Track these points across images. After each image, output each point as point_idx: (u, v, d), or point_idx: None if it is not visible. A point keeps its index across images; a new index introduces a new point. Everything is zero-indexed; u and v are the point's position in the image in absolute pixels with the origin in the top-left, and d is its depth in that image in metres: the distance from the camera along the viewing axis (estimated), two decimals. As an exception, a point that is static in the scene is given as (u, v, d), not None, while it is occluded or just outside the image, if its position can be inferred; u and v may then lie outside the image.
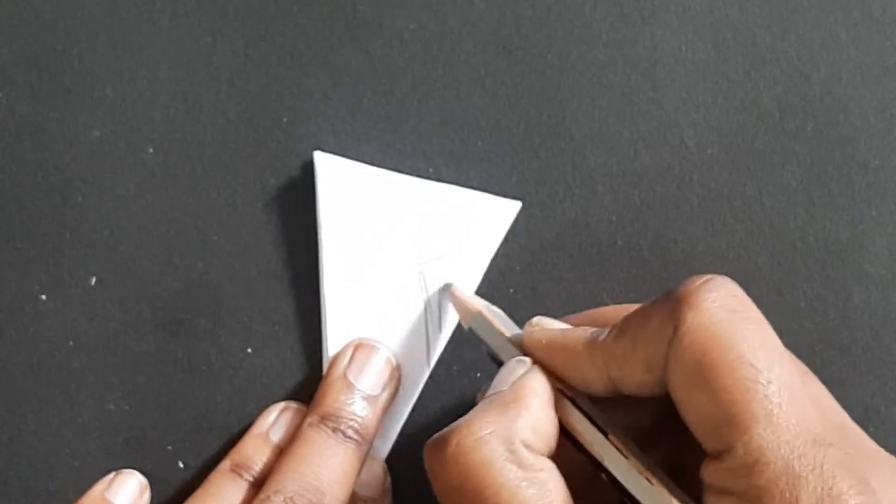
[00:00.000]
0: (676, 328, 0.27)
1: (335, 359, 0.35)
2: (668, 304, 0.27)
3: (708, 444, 0.26)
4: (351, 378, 0.34)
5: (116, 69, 0.37)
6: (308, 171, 0.36)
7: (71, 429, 0.35)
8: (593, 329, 0.30)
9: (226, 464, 0.34)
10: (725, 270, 0.36)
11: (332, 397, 0.34)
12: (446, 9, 0.37)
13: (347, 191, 0.36)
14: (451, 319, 0.36)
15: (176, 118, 0.37)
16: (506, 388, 0.29)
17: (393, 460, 0.36)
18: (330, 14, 0.37)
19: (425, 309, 0.35)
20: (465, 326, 0.34)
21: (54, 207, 0.36)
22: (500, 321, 0.33)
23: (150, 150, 0.36)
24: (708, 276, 0.28)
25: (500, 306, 0.36)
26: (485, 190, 0.36)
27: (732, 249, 0.37)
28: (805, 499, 0.25)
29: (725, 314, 0.27)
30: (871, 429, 0.36)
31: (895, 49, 0.38)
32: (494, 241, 0.36)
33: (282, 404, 0.35)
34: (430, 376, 0.36)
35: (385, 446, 0.35)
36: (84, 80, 0.37)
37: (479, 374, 0.36)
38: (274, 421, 0.35)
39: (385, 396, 0.35)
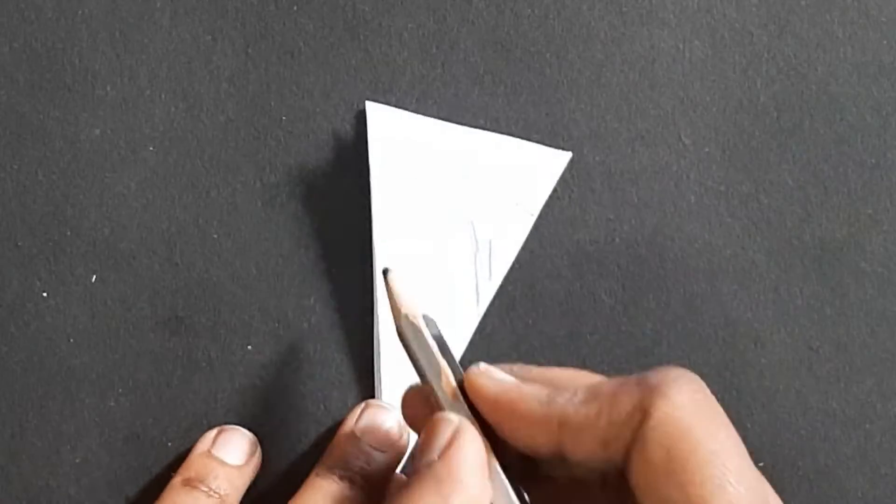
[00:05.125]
0: (647, 416, 0.26)
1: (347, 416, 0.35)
2: (640, 389, 0.27)
3: None
4: (359, 433, 0.35)
5: (117, 68, 0.37)
6: (308, 167, 0.37)
7: (72, 425, 0.36)
8: (548, 389, 0.29)
9: (177, 479, 0.34)
10: (722, 268, 0.37)
11: (341, 449, 0.34)
12: (445, 8, 0.38)
13: (398, 140, 0.36)
14: (502, 268, 0.36)
15: (176, 117, 0.37)
16: (436, 456, 0.28)
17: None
18: (329, 13, 0.37)
19: (475, 259, 0.36)
20: (395, 325, 0.31)
21: (55, 205, 0.36)
22: (431, 336, 0.30)
23: (151, 149, 0.37)
24: (681, 371, 0.28)
25: (498, 303, 0.36)
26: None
27: (729, 247, 0.37)
28: None
29: (698, 410, 0.27)
30: (867, 426, 0.36)
31: (891, 48, 0.38)
32: (545, 191, 0.36)
33: (217, 428, 0.36)
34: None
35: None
36: (85, 78, 0.37)
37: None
38: (213, 439, 0.35)
39: (387, 455, 0.35)
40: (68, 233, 0.36)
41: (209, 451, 0.35)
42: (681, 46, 0.38)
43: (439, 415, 0.29)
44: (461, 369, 0.30)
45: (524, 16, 0.38)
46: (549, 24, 0.38)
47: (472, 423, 0.29)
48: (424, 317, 0.30)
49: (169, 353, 0.36)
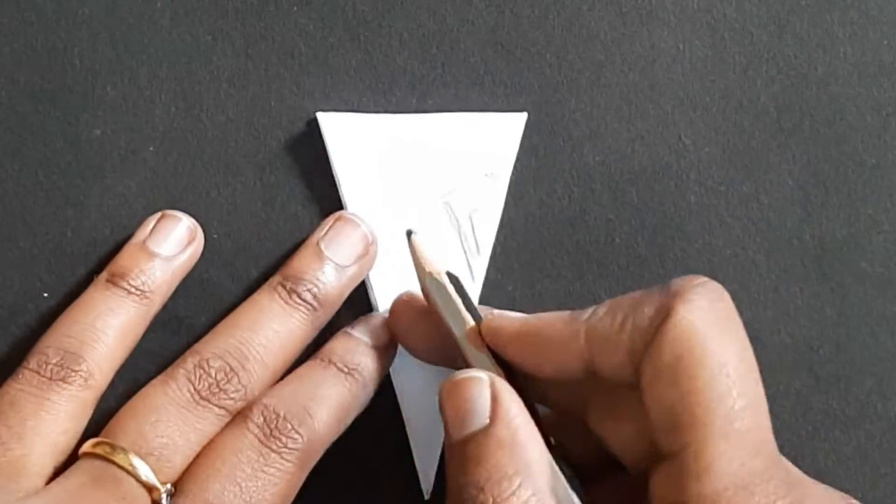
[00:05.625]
0: (666, 318, 0.26)
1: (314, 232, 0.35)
2: (662, 294, 0.27)
3: (664, 441, 0.26)
4: (323, 247, 0.34)
5: (117, 68, 0.37)
6: (308, 168, 0.37)
7: (72, 425, 0.36)
8: (567, 311, 0.29)
9: (102, 276, 0.34)
10: (722, 268, 0.37)
11: (298, 261, 0.34)
12: (445, 8, 0.38)
13: (357, 143, 0.36)
14: (487, 240, 0.36)
15: (176, 117, 0.37)
16: (486, 419, 0.28)
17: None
18: (329, 14, 0.37)
19: (459, 237, 0.36)
20: (420, 284, 0.32)
21: (56, 206, 0.36)
22: (456, 293, 0.31)
23: (151, 149, 0.37)
24: (705, 279, 0.28)
25: (498, 304, 0.36)
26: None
27: (729, 247, 0.37)
28: None
29: (715, 318, 0.27)
30: (867, 426, 0.36)
31: (891, 48, 0.38)
32: (509, 156, 0.37)
33: (158, 213, 0.35)
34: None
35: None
36: (85, 78, 0.37)
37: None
38: (151, 230, 0.35)
39: (354, 270, 0.34)
40: (69, 233, 0.36)
41: (143, 243, 0.34)
42: (681, 46, 0.38)
43: (464, 375, 0.29)
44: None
45: (524, 16, 0.38)
46: (549, 24, 0.38)
47: (501, 374, 0.29)
48: (448, 274, 0.32)
49: (169, 354, 0.36)
